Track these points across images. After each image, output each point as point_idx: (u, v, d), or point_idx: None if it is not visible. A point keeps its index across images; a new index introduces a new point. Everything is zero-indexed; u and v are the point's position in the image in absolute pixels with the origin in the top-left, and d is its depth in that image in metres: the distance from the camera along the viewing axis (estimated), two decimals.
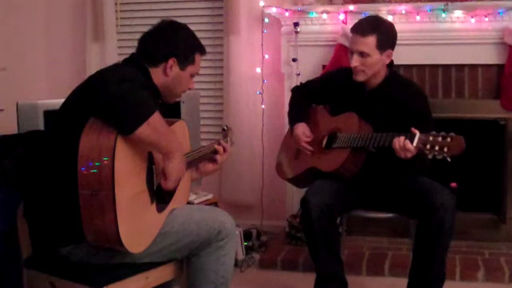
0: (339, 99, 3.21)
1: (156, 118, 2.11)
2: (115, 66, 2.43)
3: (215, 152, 2.67)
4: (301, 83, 3.57)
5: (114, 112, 2.06)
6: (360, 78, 3.07)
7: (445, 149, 2.61)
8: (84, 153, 2.07)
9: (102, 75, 2.26)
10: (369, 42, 3.00)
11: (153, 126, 2.09)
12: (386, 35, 3.05)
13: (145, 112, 2.09)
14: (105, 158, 2.05)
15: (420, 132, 2.75)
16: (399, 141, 2.73)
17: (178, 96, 2.58)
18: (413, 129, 2.71)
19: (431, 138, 2.65)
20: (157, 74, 2.43)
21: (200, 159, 2.60)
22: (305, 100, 3.39)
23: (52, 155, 2.24)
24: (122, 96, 2.07)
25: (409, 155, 2.72)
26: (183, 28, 2.52)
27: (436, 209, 2.81)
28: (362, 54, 3.02)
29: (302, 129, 3.25)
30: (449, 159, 2.62)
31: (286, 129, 3.60)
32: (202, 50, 2.55)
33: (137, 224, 2.20)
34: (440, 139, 2.63)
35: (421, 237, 2.91)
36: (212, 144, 2.68)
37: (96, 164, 2.05)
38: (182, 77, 2.48)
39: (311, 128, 3.27)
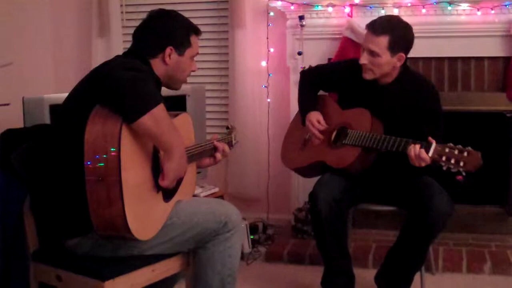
0: (349, 91, 3.16)
1: (160, 110, 2.11)
2: (119, 57, 2.44)
3: (215, 149, 2.67)
4: (310, 66, 3.50)
5: (119, 98, 2.07)
6: (368, 76, 3.01)
7: (461, 164, 2.58)
8: (90, 139, 2.08)
9: (107, 65, 2.26)
10: (381, 42, 2.91)
11: (156, 119, 2.09)
12: (400, 37, 2.94)
13: (150, 102, 2.09)
14: (111, 147, 2.05)
15: (431, 131, 2.74)
16: (415, 149, 2.70)
17: (184, 82, 2.58)
18: (430, 139, 2.68)
19: (447, 150, 2.62)
20: (157, 65, 2.43)
21: (201, 155, 2.61)
22: (315, 86, 3.33)
23: (59, 147, 2.25)
24: (129, 82, 2.08)
25: (423, 164, 2.69)
26: (173, 14, 2.52)
27: (430, 213, 2.80)
28: (372, 53, 2.94)
29: (317, 116, 3.18)
30: (464, 174, 2.60)
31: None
32: (196, 31, 2.54)
33: (144, 211, 2.21)
34: (456, 152, 2.60)
35: (407, 231, 2.93)
36: (212, 141, 2.68)
37: (102, 151, 2.06)
38: (183, 62, 2.49)
39: None
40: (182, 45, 2.47)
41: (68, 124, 2.24)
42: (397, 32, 2.95)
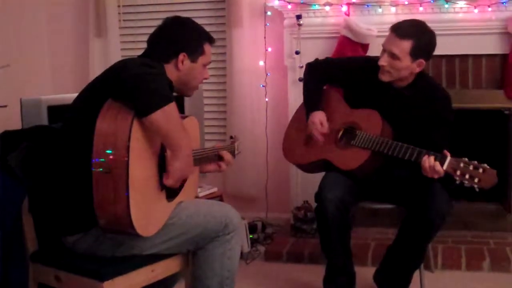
0: (360, 89, 3.10)
1: (172, 108, 2.13)
2: (134, 58, 2.47)
3: (220, 157, 2.67)
4: (316, 59, 3.38)
5: (133, 91, 2.08)
6: (385, 78, 2.96)
7: (476, 180, 2.57)
8: (100, 132, 2.09)
9: (123, 61, 2.29)
10: (403, 46, 2.86)
11: (167, 116, 2.10)
12: (423, 44, 2.89)
13: (163, 99, 2.10)
14: (121, 141, 2.06)
15: (438, 138, 2.74)
16: (430, 161, 2.67)
17: (195, 88, 2.60)
18: (445, 152, 2.66)
19: (462, 165, 2.61)
20: (170, 70, 2.44)
21: (205, 159, 2.61)
22: (322, 80, 3.24)
23: (66, 142, 2.26)
24: (144, 77, 2.10)
25: (436, 176, 2.67)
26: (187, 21, 2.54)
27: (429, 211, 2.79)
28: (392, 56, 2.88)
29: (320, 117, 3.11)
30: (477, 189, 2.59)
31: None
32: (210, 39, 2.57)
33: (147, 207, 2.21)
34: (471, 167, 2.59)
35: (406, 229, 2.93)
36: (219, 148, 2.69)
37: (112, 144, 2.07)
38: (195, 69, 2.51)
39: (326, 115, 3.13)
40: (195, 52, 2.49)
41: (78, 119, 2.26)
42: (421, 38, 2.90)
